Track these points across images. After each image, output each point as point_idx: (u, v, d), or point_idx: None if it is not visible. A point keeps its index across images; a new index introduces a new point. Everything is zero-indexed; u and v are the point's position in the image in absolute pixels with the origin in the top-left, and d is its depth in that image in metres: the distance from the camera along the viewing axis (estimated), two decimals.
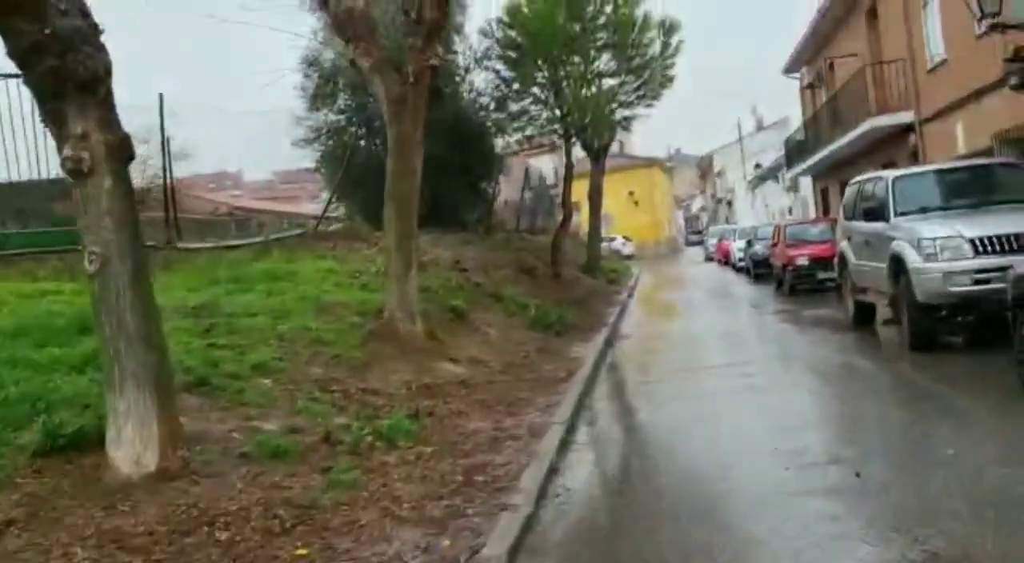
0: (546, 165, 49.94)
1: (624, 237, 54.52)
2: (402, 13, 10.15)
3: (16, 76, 8.63)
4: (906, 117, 18.17)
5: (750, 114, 66.00)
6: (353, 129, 19.73)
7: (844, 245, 12.36)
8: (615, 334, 14.66)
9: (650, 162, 63.26)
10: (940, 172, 11.10)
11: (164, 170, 12.61)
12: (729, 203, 65.12)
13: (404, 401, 8.20)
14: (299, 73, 19.08)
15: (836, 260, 12.94)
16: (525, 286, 17.13)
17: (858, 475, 5.38)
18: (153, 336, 5.63)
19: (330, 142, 20.50)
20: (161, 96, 12.68)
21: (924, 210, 10.19)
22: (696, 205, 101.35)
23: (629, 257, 51.49)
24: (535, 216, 29.74)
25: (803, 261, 18.46)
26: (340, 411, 7.49)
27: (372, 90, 10.23)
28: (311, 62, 19.12)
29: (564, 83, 20.24)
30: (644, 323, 17.18)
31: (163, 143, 12.58)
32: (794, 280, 18.86)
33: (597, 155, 26.14)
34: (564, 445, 6.98)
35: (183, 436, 6.01)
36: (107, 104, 5.34)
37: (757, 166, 47.22)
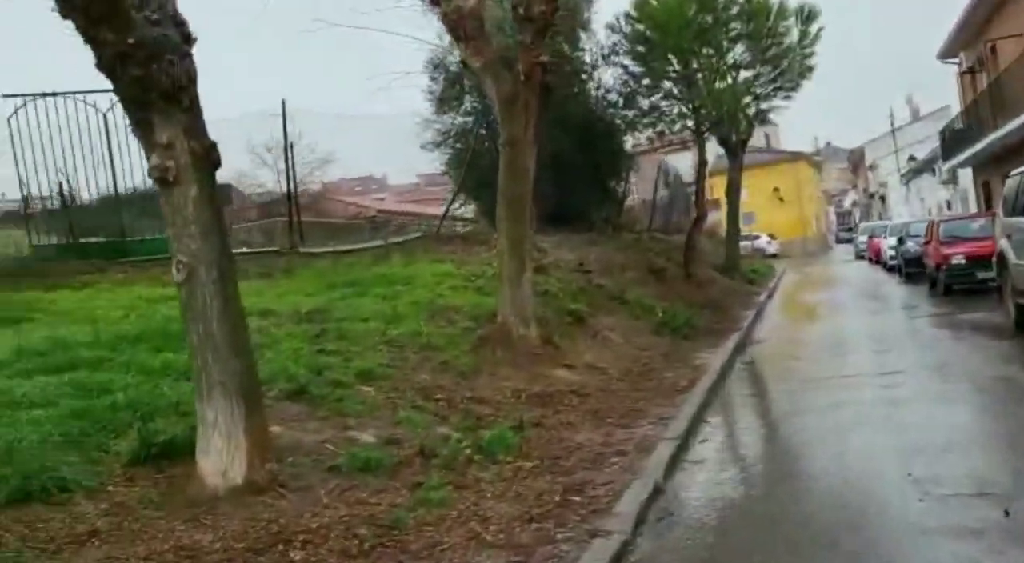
0: (684, 162, 48.77)
1: (768, 235, 52.54)
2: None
3: None
4: None
5: (905, 103, 62.27)
6: (478, 131, 19.66)
7: (1004, 243, 11.18)
8: (748, 339, 13.90)
9: (796, 156, 60.71)
10: None
11: (287, 175, 12.90)
12: (882, 198, 61.79)
13: (511, 411, 7.90)
14: (426, 76, 19.18)
15: (995, 259, 11.75)
16: (653, 288, 16.55)
17: (1007, 513, 4.65)
18: (241, 345, 5.55)
19: (457, 145, 20.53)
20: (284, 102, 12.99)
21: None
22: (848, 200, 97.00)
23: (773, 256, 49.60)
24: (670, 215, 28.96)
25: (959, 260, 16.96)
26: (442, 421, 7.26)
27: (484, 90, 10.00)
28: (436, 65, 19.19)
29: (696, 76, 19.47)
30: (781, 327, 16.27)
31: (285, 149, 12.86)
32: (949, 280, 17.39)
33: (735, 150, 25.18)
34: (674, 463, 6.49)
35: (276, 446, 5.92)
36: (193, 112, 5.29)
37: (911, 159, 44.44)
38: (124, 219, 12.75)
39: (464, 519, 5.18)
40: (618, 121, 20.84)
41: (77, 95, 11.76)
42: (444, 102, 19.55)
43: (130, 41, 4.94)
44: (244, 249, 13.11)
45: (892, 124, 54.25)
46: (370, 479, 5.72)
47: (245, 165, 31.01)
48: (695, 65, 19.39)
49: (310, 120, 14.73)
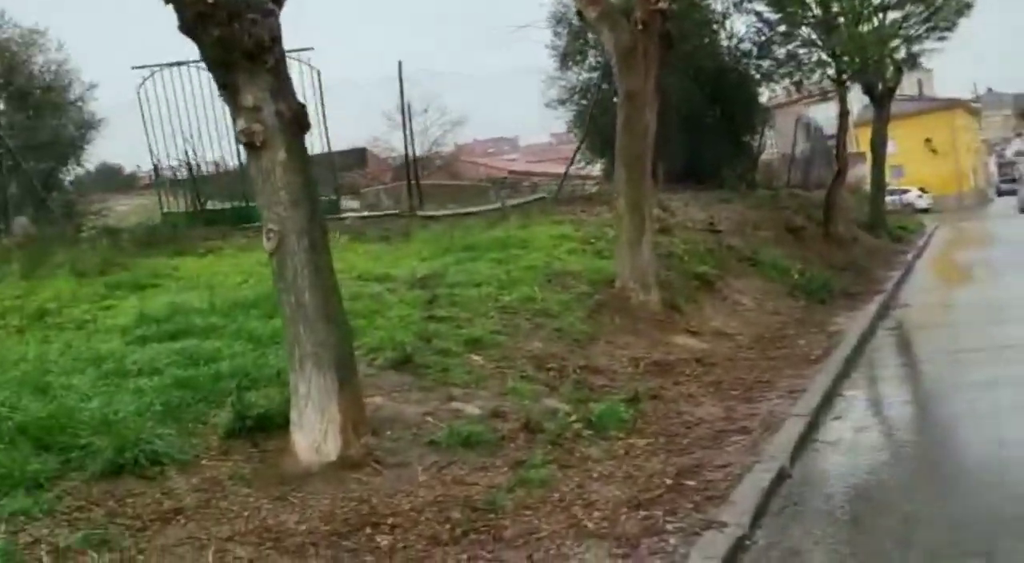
0: (826, 114, 46.16)
1: (920, 189, 49.47)
2: None
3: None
4: None
5: None
6: (602, 86, 19.01)
7: None
8: (892, 302, 12.85)
9: (951, 103, 56.67)
10: None
11: (405, 138, 12.68)
12: None
13: (628, 381, 7.49)
14: (548, 30, 18.61)
15: None
16: (789, 248, 15.62)
17: None
18: (333, 315, 5.31)
19: (583, 101, 19.93)
20: (400, 64, 12.80)
21: None
22: (1010, 150, 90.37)
23: (925, 211, 46.75)
24: (810, 170, 27.39)
25: None
26: (552, 392, 6.90)
27: (601, 42, 9.43)
28: (559, 19, 18.59)
29: (837, 21, 18.06)
30: (929, 289, 15.00)
31: (403, 111, 12.66)
32: None
33: (881, 100, 23.54)
34: (802, 443, 5.91)
35: (376, 419, 5.72)
36: (278, 73, 5.03)
37: None
38: (247, 185, 12.88)
39: (566, 503, 4.81)
40: (752, 72, 19.73)
41: (200, 64, 11.87)
42: (568, 57, 18.97)
43: (210, 0, 4.71)
44: (366, 213, 13.09)
45: None
46: (471, 455, 5.43)
47: (380, 129, 31.54)
48: (836, 8, 17.95)
49: (435, 81, 14.51)
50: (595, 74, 19.62)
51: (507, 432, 5.88)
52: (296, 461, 5.10)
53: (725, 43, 19.28)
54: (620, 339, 8.69)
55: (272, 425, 5.38)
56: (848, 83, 19.95)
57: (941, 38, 19.19)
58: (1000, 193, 64.50)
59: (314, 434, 5.14)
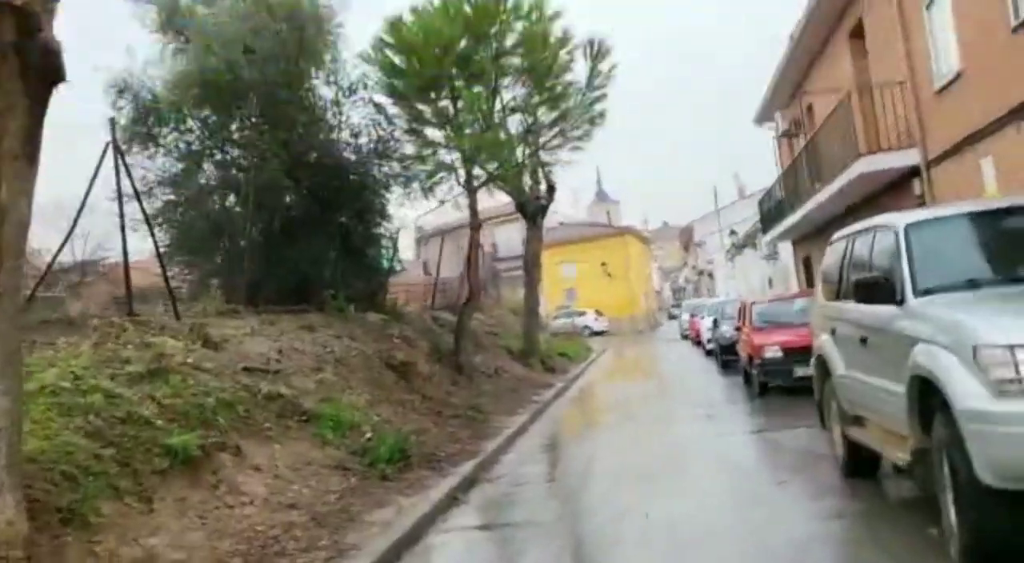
0: (512, 235, 45.47)
1: (595, 312, 50.08)
2: None
3: None
4: (908, 158, 13.60)
5: (732, 180, 62.22)
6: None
7: (825, 341, 7.48)
8: (482, 474, 9.63)
9: (624, 231, 59.26)
10: (993, 215, 6.26)
11: None
12: (710, 275, 60.94)
13: None
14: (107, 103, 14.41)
15: (813, 364, 8.06)
16: (385, 391, 12.19)
17: None
18: None
19: (171, 194, 15.79)
20: None
21: (972, 284, 5.41)
22: (682, 277, 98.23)
23: (600, 333, 47.15)
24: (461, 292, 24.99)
25: (774, 352, 13.55)
26: None
27: None
28: (122, 89, 14.48)
29: (463, 119, 15.58)
30: (543, 448, 11.94)
31: None
32: (764, 377, 13.95)
33: (534, 216, 21.74)
34: None
35: None
36: None
37: (732, 233, 42.87)
38: None
39: None
40: (376, 174, 16.68)
41: None
42: (135, 139, 14.75)
43: None
44: None
45: (716, 201, 53.42)
46: None
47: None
48: (462, 105, 15.47)
49: None
50: (183, 162, 15.71)
51: None
52: None
53: (339, 136, 16.12)
54: None
55: None
56: (488, 191, 17.57)
57: (575, 148, 17.40)
58: (671, 317, 68.41)
59: None
